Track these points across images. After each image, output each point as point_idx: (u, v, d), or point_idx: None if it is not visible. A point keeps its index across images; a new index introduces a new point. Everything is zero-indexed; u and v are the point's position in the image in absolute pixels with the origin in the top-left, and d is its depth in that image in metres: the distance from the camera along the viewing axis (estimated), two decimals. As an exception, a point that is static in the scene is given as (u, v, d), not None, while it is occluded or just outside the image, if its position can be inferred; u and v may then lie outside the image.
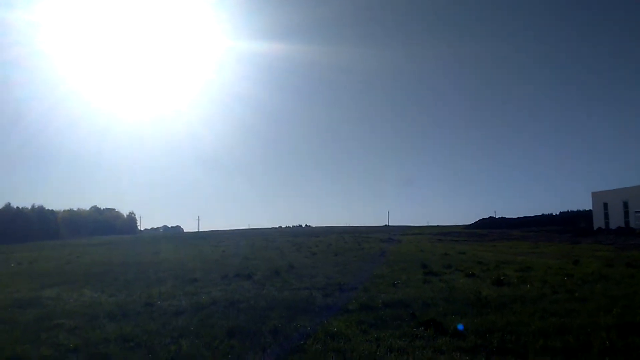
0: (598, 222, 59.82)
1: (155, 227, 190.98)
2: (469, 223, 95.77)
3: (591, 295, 11.21)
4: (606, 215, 58.44)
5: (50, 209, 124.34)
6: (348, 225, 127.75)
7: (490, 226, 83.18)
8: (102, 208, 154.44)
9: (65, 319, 9.94)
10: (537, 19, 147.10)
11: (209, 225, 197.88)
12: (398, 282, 13.97)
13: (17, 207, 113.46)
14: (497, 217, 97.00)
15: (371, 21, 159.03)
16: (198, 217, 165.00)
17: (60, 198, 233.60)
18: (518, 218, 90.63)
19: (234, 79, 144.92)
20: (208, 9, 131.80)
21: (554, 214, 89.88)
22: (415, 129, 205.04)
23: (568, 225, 67.02)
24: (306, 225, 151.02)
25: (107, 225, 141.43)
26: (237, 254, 28.96)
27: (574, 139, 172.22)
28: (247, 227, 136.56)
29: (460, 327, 8.16)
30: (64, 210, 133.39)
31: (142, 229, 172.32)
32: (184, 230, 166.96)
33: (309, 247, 34.39)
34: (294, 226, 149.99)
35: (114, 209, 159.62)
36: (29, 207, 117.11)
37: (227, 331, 8.39)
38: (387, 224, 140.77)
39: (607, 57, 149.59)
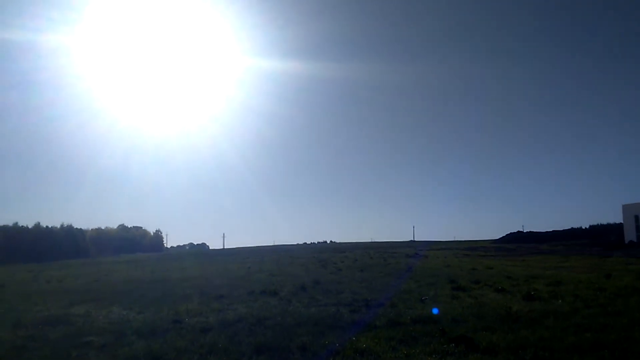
0: (629, 235, 58.22)
1: (181, 244, 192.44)
2: (497, 238, 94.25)
3: (625, 310, 10.91)
4: (637, 229, 56.85)
5: (78, 227, 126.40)
6: (373, 240, 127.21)
7: (518, 241, 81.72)
8: (129, 226, 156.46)
9: (94, 336, 10.02)
10: (567, 28, 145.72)
11: (234, 242, 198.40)
12: (426, 298, 13.78)
13: (47, 226, 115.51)
14: (525, 231, 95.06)
15: (391, 37, 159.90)
16: (223, 234, 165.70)
17: (88, 217, 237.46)
18: (547, 232, 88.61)
19: (255, 95, 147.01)
20: (228, 29, 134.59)
21: (583, 227, 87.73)
22: (440, 143, 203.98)
23: (598, 239, 65.30)
24: (331, 241, 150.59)
25: (134, 243, 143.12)
26: (262, 270, 28.94)
27: (603, 151, 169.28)
28: (272, 244, 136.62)
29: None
30: (92, 229, 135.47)
31: (169, 246, 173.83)
32: (210, 248, 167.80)
33: (334, 263, 34.21)
34: (318, 242, 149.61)
35: (140, 227, 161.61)
36: (58, 226, 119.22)
37: (255, 348, 8.37)
38: (412, 239, 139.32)
39: (637, 68, 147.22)
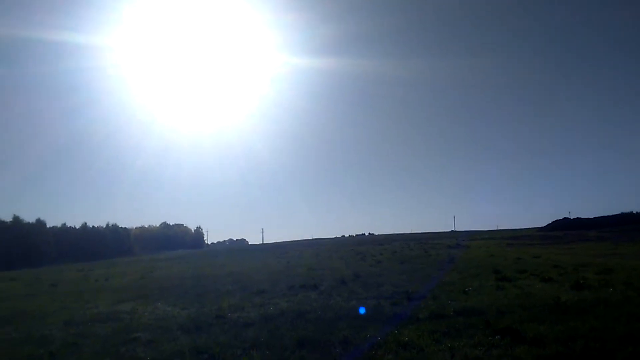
0: (683, 219, 55.84)
1: (221, 240, 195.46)
2: (542, 225, 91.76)
3: (683, 298, 10.37)
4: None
5: (123, 226, 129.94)
6: (413, 232, 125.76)
7: (564, 228, 79.26)
8: (171, 224, 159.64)
9: (141, 332, 10.21)
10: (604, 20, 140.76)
11: (273, 237, 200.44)
12: (469, 289, 13.48)
13: (93, 226, 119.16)
14: (571, 217, 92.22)
15: (426, 32, 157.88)
16: (262, 229, 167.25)
17: (131, 215, 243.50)
18: (595, 218, 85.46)
19: (288, 92, 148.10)
20: (264, 28, 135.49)
21: (634, 212, 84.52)
22: (480, 131, 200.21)
23: (649, 224, 62.82)
24: (369, 233, 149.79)
25: (176, 240, 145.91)
26: (301, 265, 29.05)
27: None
28: (310, 238, 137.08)
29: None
30: (136, 228, 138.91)
31: (209, 242, 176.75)
32: (249, 243, 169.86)
33: (373, 256, 34.03)
34: (357, 235, 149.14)
35: (182, 224, 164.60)
36: (104, 225, 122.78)
37: (297, 342, 8.32)
38: (453, 229, 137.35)
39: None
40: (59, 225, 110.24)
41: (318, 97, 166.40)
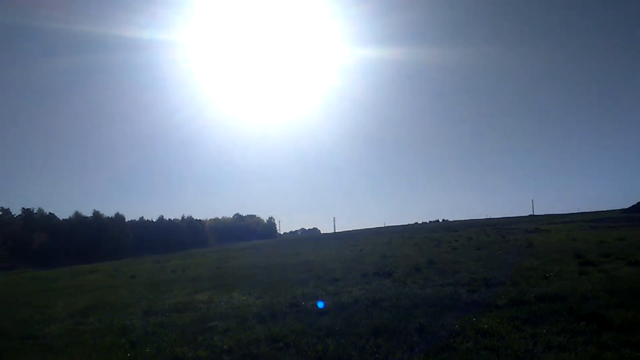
0: None
1: (293, 230, 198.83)
2: (627, 207, 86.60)
3: None
4: None
5: (198, 218, 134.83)
6: (489, 217, 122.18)
7: (651, 209, 74.50)
8: (243, 215, 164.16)
9: (218, 321, 10.60)
10: None
11: (344, 225, 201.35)
12: (550, 275, 13.01)
13: (170, 219, 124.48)
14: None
15: (490, 21, 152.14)
16: (334, 218, 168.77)
17: (206, 208, 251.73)
18: (685, 197, 79.98)
19: (356, 82, 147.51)
20: (330, 20, 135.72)
21: None
22: (555, 111, 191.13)
23: None
24: (443, 220, 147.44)
25: (249, 231, 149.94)
26: (374, 252, 28.97)
27: None
28: (382, 225, 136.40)
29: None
30: (210, 219, 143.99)
31: (282, 232, 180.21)
32: (321, 232, 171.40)
33: (448, 242, 33.41)
34: (430, 222, 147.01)
35: (254, 215, 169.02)
36: (180, 218, 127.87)
37: (372, 330, 8.37)
38: (532, 213, 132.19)
39: None
40: (137, 219, 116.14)
41: (385, 87, 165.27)
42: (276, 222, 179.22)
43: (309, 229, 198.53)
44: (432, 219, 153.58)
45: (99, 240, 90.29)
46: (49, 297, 19.21)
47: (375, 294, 12.48)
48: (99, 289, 20.84)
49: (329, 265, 22.39)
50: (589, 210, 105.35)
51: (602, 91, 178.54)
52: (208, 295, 15.05)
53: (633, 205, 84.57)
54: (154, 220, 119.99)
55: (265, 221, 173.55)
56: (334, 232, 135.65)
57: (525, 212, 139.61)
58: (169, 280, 22.60)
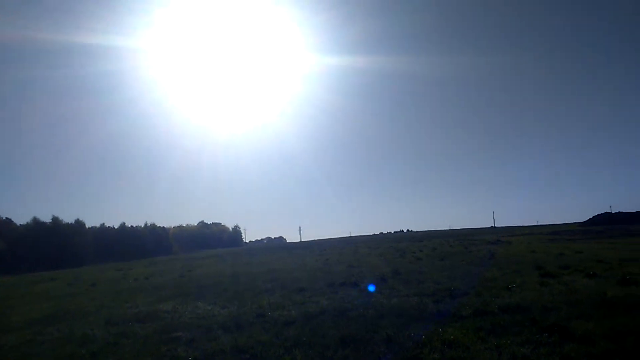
0: None
1: (259, 239, 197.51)
2: (583, 220, 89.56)
3: None
4: None
5: (161, 226, 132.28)
6: (451, 228, 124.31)
7: (607, 222, 77.28)
8: (208, 223, 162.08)
9: (182, 332, 10.39)
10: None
11: (311, 234, 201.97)
12: (512, 286, 13.28)
13: (132, 226, 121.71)
14: (613, 212, 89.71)
15: (453, 30, 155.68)
16: (300, 227, 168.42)
17: (170, 215, 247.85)
18: (637, 212, 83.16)
19: (322, 90, 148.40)
20: (295, 27, 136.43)
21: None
22: (516, 124, 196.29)
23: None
24: (408, 230, 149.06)
25: (214, 239, 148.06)
26: (341, 262, 29.02)
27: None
28: (348, 235, 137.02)
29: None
30: (174, 227, 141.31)
31: (247, 241, 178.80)
32: (287, 241, 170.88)
33: (413, 252, 33.78)
34: (395, 232, 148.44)
35: (219, 223, 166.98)
36: (142, 225, 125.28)
37: (339, 340, 8.36)
38: (493, 225, 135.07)
39: None
40: (98, 225, 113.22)
41: (351, 95, 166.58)
42: (242, 230, 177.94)
43: (275, 238, 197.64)
44: (397, 229, 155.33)
45: (58, 246, 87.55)
46: (5, 305, 18.57)
47: (342, 303, 12.48)
48: (58, 297, 20.23)
49: (296, 275, 22.30)
50: (547, 223, 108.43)
51: (559, 109, 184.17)
52: (172, 305, 14.80)
53: (589, 219, 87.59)
54: (116, 227, 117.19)
55: (231, 229, 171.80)
56: (300, 241, 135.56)
57: (486, 223, 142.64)
58: (132, 288, 22.15)
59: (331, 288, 16.00)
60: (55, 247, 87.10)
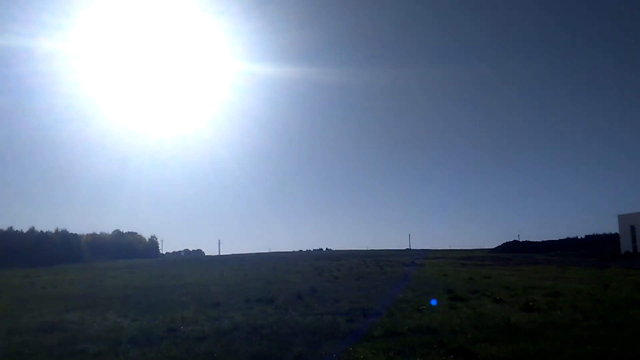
0: (625, 245, 58.10)
1: (176, 250, 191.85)
2: (493, 247, 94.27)
3: (626, 322, 10.80)
4: (634, 239, 56.77)
5: (73, 232, 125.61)
6: (369, 248, 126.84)
7: (514, 250, 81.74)
8: (124, 232, 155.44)
9: (88, 344, 9.91)
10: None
11: (230, 248, 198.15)
12: (423, 308, 13.69)
13: (42, 231, 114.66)
14: (521, 240, 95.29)
15: (384, 41, 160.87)
16: (219, 240, 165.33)
17: (83, 222, 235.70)
18: (543, 242, 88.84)
19: (249, 100, 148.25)
20: (222, 34, 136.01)
21: (579, 237, 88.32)
22: (435, 151, 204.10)
23: (594, 249, 65.20)
24: (327, 248, 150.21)
25: (129, 249, 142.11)
26: (259, 278, 28.80)
27: (599, 161, 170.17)
28: (268, 251, 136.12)
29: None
30: (87, 234, 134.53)
31: (164, 252, 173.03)
32: (205, 254, 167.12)
33: (330, 271, 34.06)
34: (314, 250, 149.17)
35: (136, 233, 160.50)
36: (53, 230, 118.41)
37: (252, 358, 8.28)
38: (409, 247, 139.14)
39: (632, 79, 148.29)
40: (5, 228, 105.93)
41: (280, 106, 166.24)
42: (159, 241, 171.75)
43: (193, 250, 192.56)
44: (317, 247, 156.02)
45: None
46: None
47: (256, 320, 12.36)
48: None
49: (212, 289, 21.90)
50: (460, 248, 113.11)
51: (478, 135, 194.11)
52: (80, 315, 14.12)
53: (498, 246, 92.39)
54: (24, 232, 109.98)
55: (147, 240, 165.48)
56: (219, 255, 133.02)
57: (402, 245, 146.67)
58: (38, 296, 20.96)
59: (247, 304, 15.82)
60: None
